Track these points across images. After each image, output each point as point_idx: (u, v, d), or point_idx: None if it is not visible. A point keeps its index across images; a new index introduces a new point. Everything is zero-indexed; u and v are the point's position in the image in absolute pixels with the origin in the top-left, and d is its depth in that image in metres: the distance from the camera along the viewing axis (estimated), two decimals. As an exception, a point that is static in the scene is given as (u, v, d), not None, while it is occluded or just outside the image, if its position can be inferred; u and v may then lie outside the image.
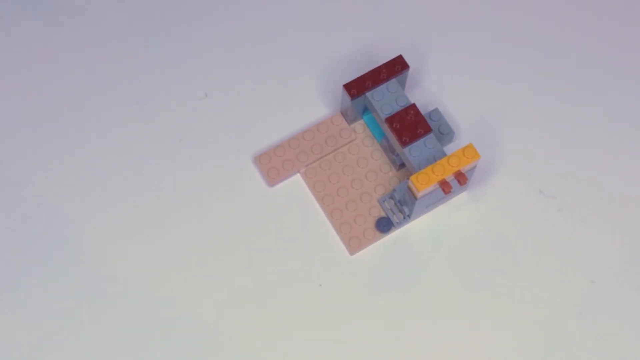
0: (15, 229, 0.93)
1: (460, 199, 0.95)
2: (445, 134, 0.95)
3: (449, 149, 0.96)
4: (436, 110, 0.95)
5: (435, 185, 0.88)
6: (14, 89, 0.98)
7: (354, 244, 0.93)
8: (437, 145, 0.91)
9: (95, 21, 1.00)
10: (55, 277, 0.91)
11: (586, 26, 1.01)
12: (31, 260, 0.92)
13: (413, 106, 0.91)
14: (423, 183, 0.87)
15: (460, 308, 0.91)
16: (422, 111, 0.97)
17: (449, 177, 0.88)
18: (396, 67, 0.92)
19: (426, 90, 0.98)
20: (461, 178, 0.89)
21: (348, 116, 0.96)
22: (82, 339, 0.90)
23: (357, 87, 0.92)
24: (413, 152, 0.90)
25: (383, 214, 0.94)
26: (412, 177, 0.87)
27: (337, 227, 0.93)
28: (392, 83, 0.92)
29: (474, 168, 0.90)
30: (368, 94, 0.92)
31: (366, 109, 0.96)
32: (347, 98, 0.93)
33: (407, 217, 0.93)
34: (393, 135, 0.91)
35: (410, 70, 0.96)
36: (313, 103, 0.98)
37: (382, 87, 0.92)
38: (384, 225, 0.93)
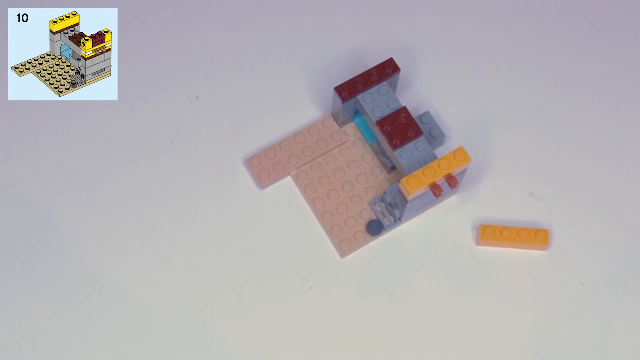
0: (6, 229, 0.93)
1: (451, 202, 0.95)
2: (436, 136, 0.95)
3: (440, 151, 0.96)
4: (427, 113, 0.95)
5: (425, 188, 0.88)
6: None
7: (344, 246, 0.93)
8: (428, 148, 0.91)
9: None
10: (46, 275, 0.91)
11: (576, 30, 1.02)
12: (23, 259, 0.92)
13: (404, 109, 0.92)
14: (414, 186, 0.87)
15: (450, 310, 0.91)
16: (413, 114, 0.97)
17: (440, 180, 0.88)
18: (387, 69, 0.93)
19: (417, 93, 0.98)
20: (452, 181, 0.89)
21: (339, 119, 0.96)
22: (74, 336, 0.90)
23: (348, 90, 0.92)
24: (404, 154, 0.91)
25: (374, 217, 0.94)
26: (403, 180, 0.87)
27: (328, 230, 0.93)
28: (383, 86, 0.93)
29: (464, 171, 0.90)
30: (359, 97, 0.92)
31: (357, 112, 0.96)
32: (338, 100, 0.93)
33: (397, 220, 0.93)
34: (384, 138, 0.91)
35: (401, 73, 0.96)
36: (304, 105, 0.98)
37: (373, 90, 0.92)
38: (375, 227, 0.93)
